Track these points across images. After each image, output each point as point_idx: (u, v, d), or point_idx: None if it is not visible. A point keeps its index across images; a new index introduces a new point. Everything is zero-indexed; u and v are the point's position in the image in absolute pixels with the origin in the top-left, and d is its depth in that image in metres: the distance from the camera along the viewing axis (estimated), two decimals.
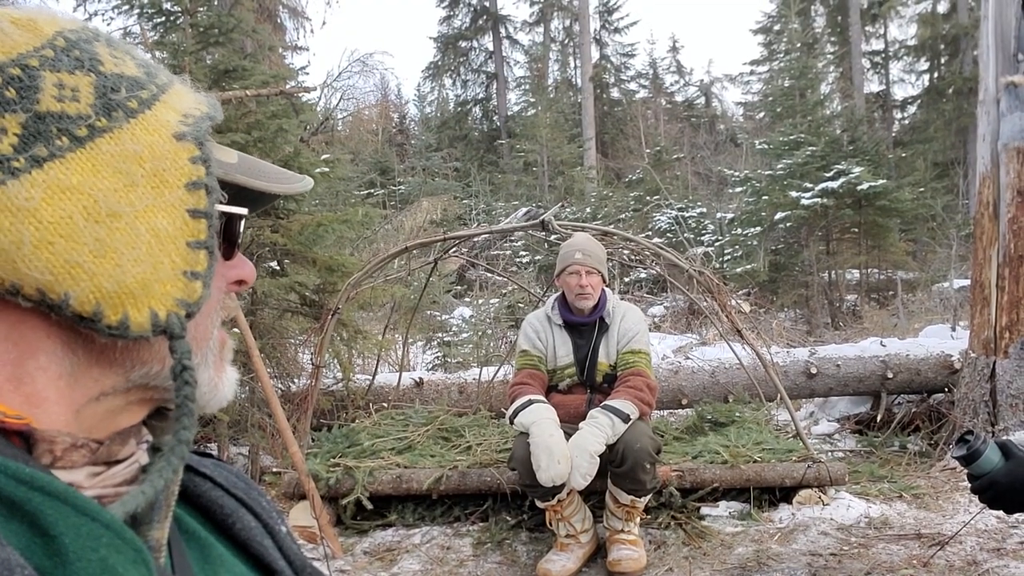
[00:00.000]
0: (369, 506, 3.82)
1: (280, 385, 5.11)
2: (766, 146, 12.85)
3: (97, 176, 0.50)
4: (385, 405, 5.36)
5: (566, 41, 28.71)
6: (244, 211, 0.61)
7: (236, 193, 0.60)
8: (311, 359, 4.91)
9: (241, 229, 0.62)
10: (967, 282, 7.11)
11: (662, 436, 4.33)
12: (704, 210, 14.79)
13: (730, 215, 13.62)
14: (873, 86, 22.75)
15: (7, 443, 0.48)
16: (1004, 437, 4.24)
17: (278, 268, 5.24)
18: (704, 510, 3.83)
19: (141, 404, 0.58)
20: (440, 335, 8.36)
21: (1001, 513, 1.72)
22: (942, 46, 20.17)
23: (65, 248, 0.48)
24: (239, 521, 0.65)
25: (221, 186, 0.57)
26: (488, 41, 28.71)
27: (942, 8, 20.22)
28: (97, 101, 0.52)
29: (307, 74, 19.41)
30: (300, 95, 6.64)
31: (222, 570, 0.61)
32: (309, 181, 0.67)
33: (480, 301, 9.66)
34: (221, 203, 0.58)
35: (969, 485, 1.75)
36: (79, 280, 0.49)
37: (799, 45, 15.88)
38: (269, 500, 0.71)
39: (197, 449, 0.71)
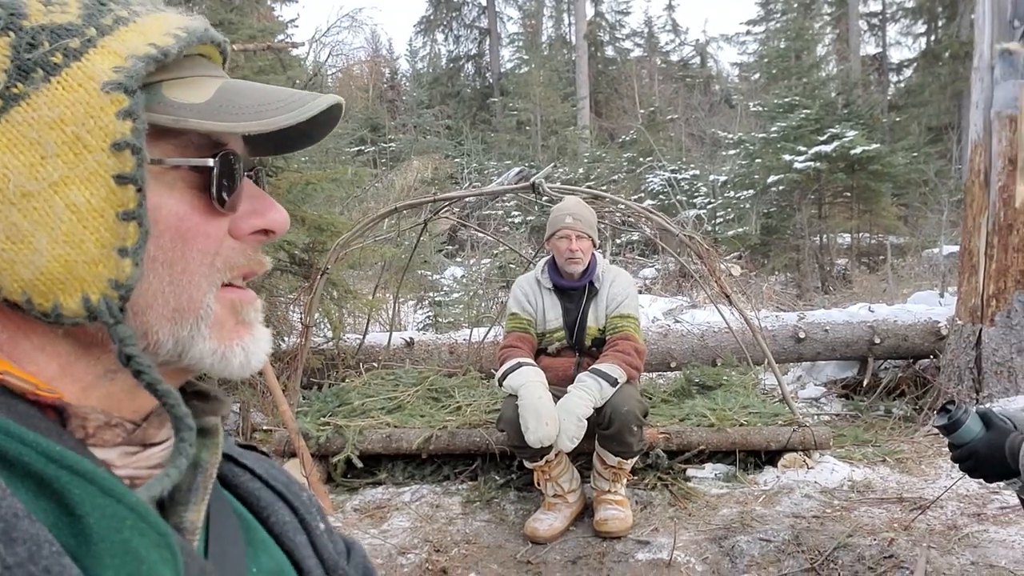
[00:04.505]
0: (359, 464, 3.85)
1: None
2: (760, 108, 12.78)
3: (11, 152, 0.46)
4: (375, 365, 5.37)
5: None
6: (208, 163, 0.53)
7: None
8: (301, 318, 4.91)
9: (240, 173, 0.56)
10: (957, 248, 7.14)
11: (650, 399, 4.37)
12: (697, 172, 14.75)
13: (723, 178, 13.59)
14: (870, 48, 22.57)
15: (42, 416, 0.47)
16: (987, 405, 4.29)
17: None
18: (690, 472, 3.88)
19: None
20: (431, 295, 8.36)
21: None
22: (940, 8, 19.96)
23: None
24: (274, 514, 0.65)
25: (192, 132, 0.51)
26: None
27: None
28: (11, 65, 0.46)
29: (296, 27, 19.09)
30: (288, 50, 6.54)
31: (264, 555, 0.61)
32: (314, 105, 0.56)
33: (471, 261, 9.65)
34: (190, 156, 0.52)
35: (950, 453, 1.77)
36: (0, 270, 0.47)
37: (796, 5, 15.68)
38: (311, 496, 0.71)
39: (242, 443, 0.70)
